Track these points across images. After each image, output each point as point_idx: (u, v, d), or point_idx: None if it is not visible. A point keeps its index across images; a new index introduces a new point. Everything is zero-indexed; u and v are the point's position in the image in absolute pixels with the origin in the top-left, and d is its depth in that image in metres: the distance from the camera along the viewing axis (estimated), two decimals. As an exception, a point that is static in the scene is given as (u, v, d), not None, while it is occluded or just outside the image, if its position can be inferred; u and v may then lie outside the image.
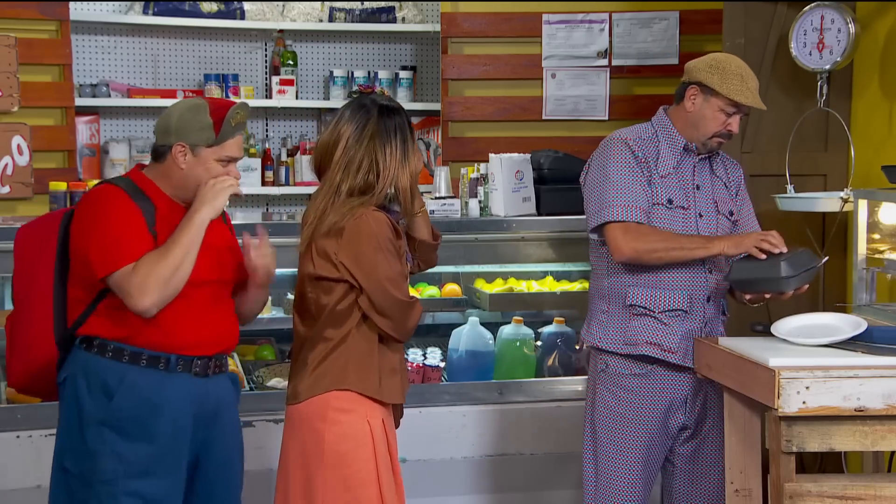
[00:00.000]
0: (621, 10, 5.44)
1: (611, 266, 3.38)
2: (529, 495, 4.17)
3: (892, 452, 3.76)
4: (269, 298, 4.36)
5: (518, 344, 4.27)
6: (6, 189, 4.80)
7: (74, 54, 5.41)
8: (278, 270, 4.36)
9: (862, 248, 3.91)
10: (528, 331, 4.31)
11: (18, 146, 4.82)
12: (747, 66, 3.31)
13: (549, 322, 4.39)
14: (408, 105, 5.11)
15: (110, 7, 5.84)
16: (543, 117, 5.48)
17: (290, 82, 5.93)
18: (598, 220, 3.30)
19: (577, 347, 4.29)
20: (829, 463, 4.36)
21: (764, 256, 3.14)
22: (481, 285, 4.47)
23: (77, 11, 5.38)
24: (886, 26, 4.33)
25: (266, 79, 6.12)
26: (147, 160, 3.05)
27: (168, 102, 3.21)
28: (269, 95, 6.07)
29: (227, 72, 5.97)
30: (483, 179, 4.41)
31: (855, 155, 4.30)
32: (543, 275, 4.58)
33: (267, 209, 6.09)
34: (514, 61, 5.48)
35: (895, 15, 4.29)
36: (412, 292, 3.25)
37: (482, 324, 4.25)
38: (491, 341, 4.25)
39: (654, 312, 3.30)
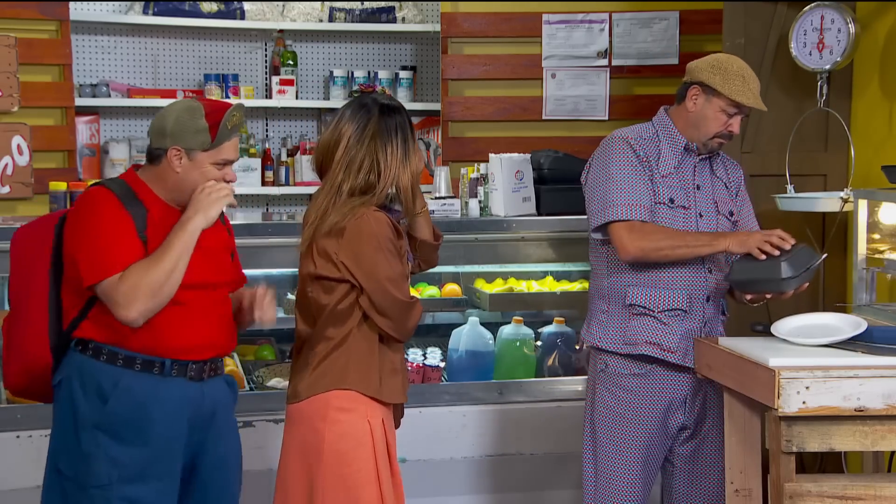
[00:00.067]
0: (621, 10, 5.44)
1: (610, 266, 3.38)
2: (529, 495, 4.17)
3: (892, 452, 3.76)
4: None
5: (518, 344, 4.27)
6: (6, 189, 4.80)
7: (74, 54, 5.42)
8: (278, 270, 4.40)
9: (862, 248, 3.91)
10: (528, 331, 4.31)
11: (18, 146, 4.82)
12: (749, 67, 3.31)
13: (549, 322, 4.38)
14: (408, 105, 5.10)
15: (110, 7, 5.85)
16: (543, 117, 5.48)
17: (290, 82, 5.94)
18: (601, 220, 3.30)
19: (577, 347, 4.29)
20: (829, 463, 4.36)
21: (763, 257, 3.14)
22: (481, 285, 4.47)
23: (77, 11, 5.38)
24: (886, 26, 4.33)
25: (266, 79, 6.13)
26: (147, 160, 3.03)
27: (168, 102, 3.20)
28: (269, 95, 6.07)
29: (227, 72, 5.98)
30: (483, 179, 4.41)
31: (855, 155, 4.30)
32: (543, 275, 4.58)
33: (267, 209, 6.09)
34: (514, 61, 5.48)
35: (895, 15, 4.29)
36: (412, 292, 3.25)
37: (482, 324, 4.25)
38: (491, 341, 4.25)
39: (654, 312, 3.30)
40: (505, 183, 4.27)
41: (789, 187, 4.36)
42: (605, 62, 5.46)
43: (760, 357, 2.92)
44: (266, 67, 6.13)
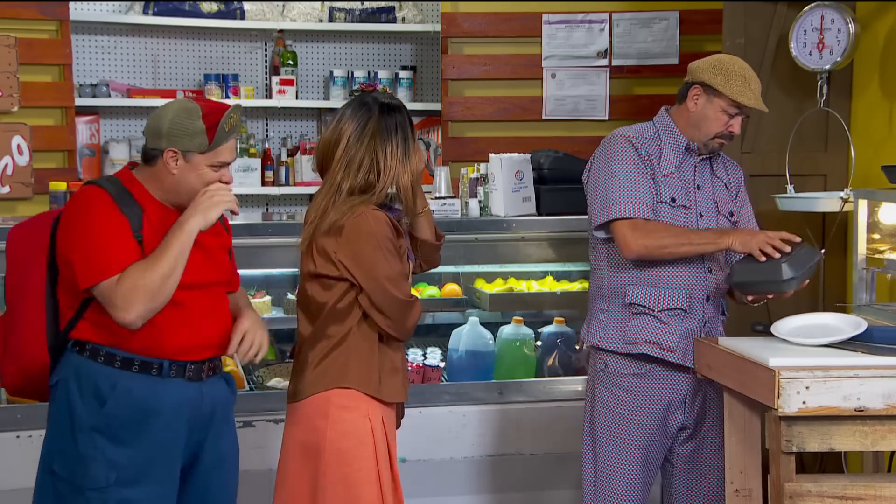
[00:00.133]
0: (621, 10, 5.44)
1: (611, 265, 3.38)
2: (529, 495, 4.17)
3: (892, 452, 3.76)
4: (269, 299, 4.38)
5: (518, 344, 4.27)
6: (6, 189, 4.80)
7: (74, 54, 5.42)
8: (278, 270, 4.40)
9: (862, 248, 3.91)
10: (528, 331, 4.31)
11: (18, 146, 4.82)
12: (750, 68, 3.32)
13: (549, 322, 4.38)
14: (408, 105, 5.09)
15: (110, 7, 5.85)
16: (543, 117, 5.48)
17: (290, 82, 5.94)
18: (604, 218, 3.30)
19: (577, 347, 4.29)
20: (829, 463, 4.36)
21: (764, 259, 3.14)
22: (481, 285, 4.47)
23: (77, 11, 5.38)
24: (886, 26, 4.33)
25: (266, 79, 6.13)
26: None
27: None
28: (269, 95, 6.07)
29: (227, 72, 5.98)
30: (483, 179, 4.41)
31: (855, 155, 4.30)
32: (543, 275, 4.58)
33: (267, 209, 6.09)
34: (514, 61, 5.48)
35: (895, 15, 4.29)
36: (412, 292, 3.25)
37: (482, 324, 4.25)
38: (491, 341, 4.25)
39: (654, 311, 3.30)
40: (505, 183, 4.27)
41: (789, 187, 4.36)
42: (605, 62, 5.46)
43: (760, 357, 2.92)
44: (266, 67, 6.13)
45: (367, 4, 6.03)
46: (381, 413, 2.98)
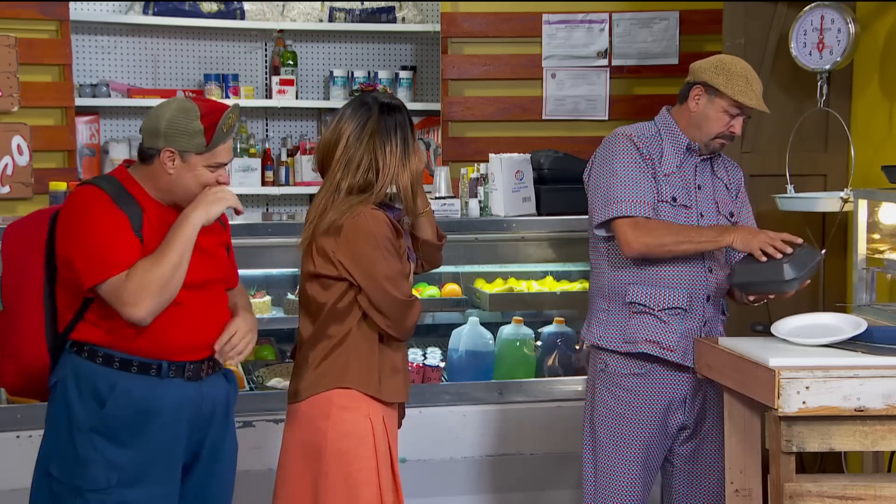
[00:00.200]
0: (621, 10, 5.44)
1: (611, 264, 3.38)
2: (529, 495, 4.17)
3: (892, 452, 3.76)
4: (269, 299, 4.38)
5: (518, 344, 4.27)
6: (6, 189, 4.80)
7: (74, 54, 5.42)
8: (278, 270, 4.40)
9: (862, 248, 3.91)
10: (528, 331, 4.31)
11: (18, 146, 4.82)
12: (752, 69, 3.32)
13: (549, 322, 4.39)
14: (408, 105, 5.11)
15: (110, 7, 5.85)
16: (543, 117, 5.48)
17: (290, 82, 5.94)
18: (605, 216, 3.30)
19: (577, 347, 4.29)
20: (829, 463, 4.36)
21: (765, 259, 3.14)
22: (481, 285, 4.47)
23: (77, 11, 5.38)
24: (886, 26, 4.33)
25: (266, 79, 6.13)
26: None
27: (168, 102, 3.24)
28: (269, 95, 6.07)
29: (227, 72, 5.98)
30: (483, 179, 4.41)
31: (855, 155, 4.30)
32: (543, 275, 4.58)
33: (267, 209, 6.09)
34: (514, 61, 5.48)
35: (895, 15, 4.29)
36: (412, 292, 3.25)
37: (482, 324, 4.25)
38: (491, 341, 4.25)
39: (654, 310, 3.30)
40: (505, 183, 4.27)
41: (789, 187, 4.36)
42: (605, 62, 5.46)
43: (760, 357, 2.92)
44: (266, 67, 6.13)
45: (367, 4, 6.03)
46: (381, 413, 2.98)
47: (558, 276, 4.57)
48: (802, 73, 4.42)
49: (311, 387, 2.95)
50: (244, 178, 5.78)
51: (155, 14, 5.74)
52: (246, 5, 5.90)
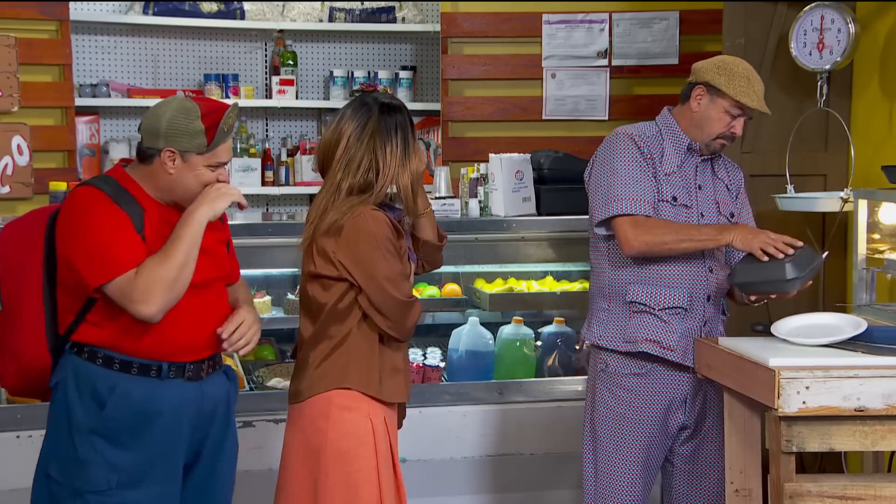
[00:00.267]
0: (621, 10, 5.44)
1: (611, 263, 3.38)
2: (529, 495, 4.17)
3: (892, 452, 3.76)
4: (269, 299, 4.38)
5: (518, 344, 4.27)
6: (6, 189, 4.80)
7: (74, 54, 5.42)
8: (278, 270, 4.40)
9: (862, 248, 3.91)
10: (528, 331, 4.31)
11: (18, 146, 4.82)
12: (754, 71, 3.32)
13: (549, 322, 4.39)
14: (408, 105, 5.12)
15: (110, 7, 5.85)
16: (543, 117, 5.48)
17: (290, 82, 5.94)
18: (605, 214, 3.30)
19: (577, 347, 4.29)
20: (829, 463, 4.36)
21: (766, 259, 3.14)
22: (481, 285, 4.47)
23: (77, 11, 5.38)
24: (886, 26, 4.33)
25: (266, 79, 6.13)
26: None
27: (168, 102, 3.24)
28: (269, 95, 6.07)
29: (227, 72, 5.98)
30: (483, 179, 4.41)
31: (855, 155, 4.30)
32: (543, 275, 4.58)
33: (267, 209, 6.09)
34: (514, 61, 5.48)
35: (895, 15, 4.29)
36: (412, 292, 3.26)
37: (482, 324, 4.25)
38: (491, 341, 4.25)
39: (654, 310, 3.30)
40: (505, 183, 4.27)
41: (789, 187, 4.36)
42: (605, 62, 5.46)
43: (760, 357, 2.92)
44: (266, 67, 6.13)
45: (367, 4, 6.03)
46: (382, 413, 2.98)
47: (558, 276, 4.57)
48: (802, 73, 4.42)
49: (312, 387, 2.95)
50: (244, 178, 5.78)
51: (155, 14, 5.74)
52: (246, 5, 5.90)
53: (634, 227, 3.23)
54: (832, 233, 4.39)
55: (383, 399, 2.97)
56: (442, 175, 4.37)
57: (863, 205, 3.91)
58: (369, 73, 6.10)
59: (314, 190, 3.07)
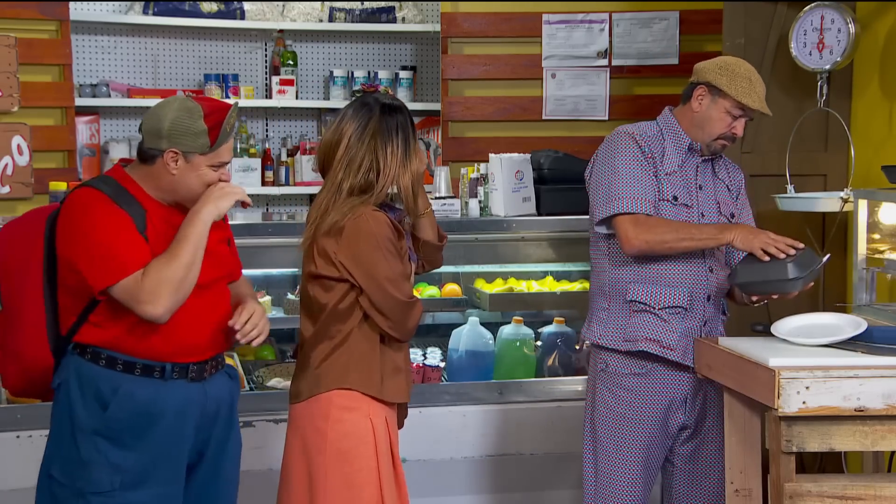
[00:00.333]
0: (621, 10, 5.44)
1: (612, 262, 3.38)
2: (529, 495, 4.17)
3: (892, 452, 3.76)
4: (269, 299, 4.38)
5: (518, 344, 4.27)
6: (6, 189, 4.80)
7: (74, 54, 5.42)
8: (278, 270, 4.40)
9: (862, 248, 3.91)
10: (528, 331, 4.31)
11: (18, 146, 4.82)
12: (756, 72, 3.32)
13: (549, 322, 4.39)
14: (408, 105, 5.12)
15: (110, 7, 5.85)
16: (543, 117, 5.48)
17: (290, 82, 5.94)
18: (606, 213, 3.30)
19: (578, 347, 4.29)
20: (829, 463, 4.36)
21: (767, 259, 3.14)
22: (481, 285, 4.47)
23: (77, 11, 5.38)
24: (886, 26, 4.33)
25: (266, 79, 6.13)
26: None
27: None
28: (269, 95, 6.07)
29: (227, 72, 5.98)
30: (483, 179, 4.41)
31: (855, 155, 4.30)
32: (543, 275, 4.58)
33: (267, 209, 6.09)
34: (514, 61, 5.48)
35: (895, 15, 4.29)
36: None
37: (482, 324, 4.25)
38: (491, 341, 4.25)
39: (654, 309, 3.30)
40: (505, 183, 4.27)
41: (789, 187, 4.36)
42: (605, 62, 5.46)
43: (760, 357, 2.92)
44: (266, 67, 6.13)
45: (367, 4, 6.03)
46: (383, 413, 2.98)
47: (558, 276, 4.57)
48: (802, 73, 4.42)
49: (312, 388, 2.95)
50: (244, 178, 5.78)
51: (155, 14, 5.74)
52: (246, 5, 5.90)
53: (635, 226, 3.23)
54: (832, 233, 4.40)
55: (384, 399, 2.97)
56: (442, 175, 4.37)
57: (863, 205, 3.91)
58: (369, 73, 6.10)
59: (314, 190, 3.07)
